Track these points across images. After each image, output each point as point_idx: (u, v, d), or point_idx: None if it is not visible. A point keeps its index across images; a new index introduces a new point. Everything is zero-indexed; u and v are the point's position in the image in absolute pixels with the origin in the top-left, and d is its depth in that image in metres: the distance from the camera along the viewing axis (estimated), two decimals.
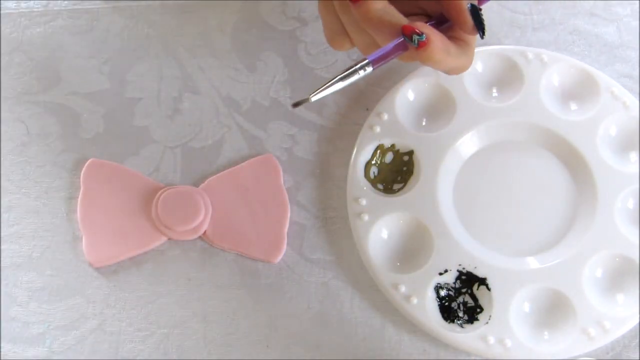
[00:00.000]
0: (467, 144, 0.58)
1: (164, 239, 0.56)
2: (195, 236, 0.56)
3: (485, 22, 0.48)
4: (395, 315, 0.54)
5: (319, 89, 0.48)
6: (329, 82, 0.48)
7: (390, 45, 0.47)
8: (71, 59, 0.62)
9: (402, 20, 0.48)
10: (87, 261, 0.55)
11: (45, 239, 0.57)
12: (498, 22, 0.63)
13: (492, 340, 0.52)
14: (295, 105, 0.48)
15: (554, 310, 0.54)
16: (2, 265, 0.56)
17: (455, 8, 0.48)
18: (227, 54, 0.62)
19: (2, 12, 0.63)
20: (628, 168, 0.57)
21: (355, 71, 0.48)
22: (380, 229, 0.56)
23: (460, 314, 0.54)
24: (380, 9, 0.48)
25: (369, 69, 0.48)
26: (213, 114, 0.60)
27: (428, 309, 0.53)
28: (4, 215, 0.57)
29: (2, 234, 0.57)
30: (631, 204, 0.56)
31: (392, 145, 0.58)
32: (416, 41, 0.47)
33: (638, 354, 0.53)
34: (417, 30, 0.47)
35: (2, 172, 0.58)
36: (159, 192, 0.56)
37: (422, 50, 0.47)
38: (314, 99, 0.48)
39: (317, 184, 0.58)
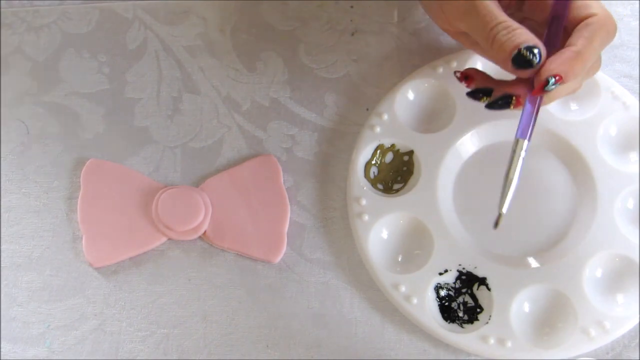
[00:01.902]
0: (467, 144, 0.58)
1: (164, 239, 0.56)
2: (195, 236, 0.56)
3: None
4: (395, 315, 0.54)
5: (503, 197, 0.50)
6: (507, 185, 0.50)
7: (526, 112, 0.51)
8: (71, 59, 0.62)
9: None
10: (87, 261, 0.55)
11: (45, 239, 0.57)
12: None
13: (492, 340, 0.52)
14: (496, 225, 0.50)
15: (554, 310, 0.54)
16: (2, 265, 0.56)
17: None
18: (227, 54, 0.62)
19: (2, 12, 0.63)
20: (628, 168, 0.57)
21: (518, 156, 0.51)
22: (380, 229, 0.56)
23: (460, 314, 0.54)
24: None
25: (527, 144, 0.50)
26: (213, 114, 0.60)
27: (428, 309, 0.53)
28: (4, 215, 0.57)
29: (2, 234, 0.57)
30: (631, 204, 0.56)
31: (392, 145, 0.58)
32: (551, 84, 0.49)
33: (638, 354, 0.53)
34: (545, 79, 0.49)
35: (2, 172, 0.58)
36: (159, 192, 0.56)
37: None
38: (505, 210, 0.50)
39: (317, 184, 0.58)
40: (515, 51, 0.49)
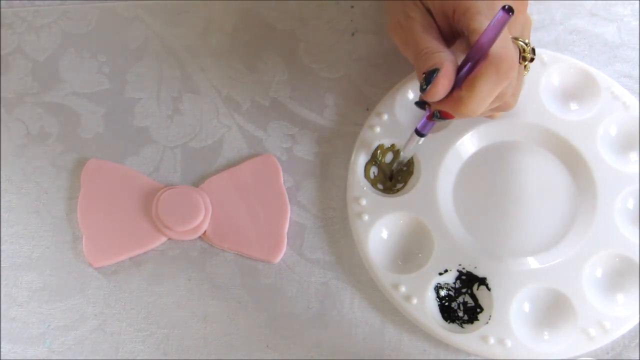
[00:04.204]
0: (467, 144, 0.58)
1: (164, 239, 0.56)
2: (195, 236, 0.56)
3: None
4: (395, 315, 0.54)
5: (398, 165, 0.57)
6: (399, 161, 0.57)
7: (423, 118, 0.52)
8: (71, 59, 0.62)
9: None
10: (87, 261, 0.55)
11: (45, 239, 0.57)
12: None
13: (492, 340, 0.52)
14: (391, 180, 0.58)
15: (554, 310, 0.54)
16: (2, 265, 0.56)
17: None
18: (227, 54, 0.62)
19: (2, 12, 0.63)
20: (628, 168, 0.57)
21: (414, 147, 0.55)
22: (380, 229, 0.56)
23: (460, 314, 0.54)
24: None
25: (421, 139, 0.54)
26: (213, 114, 0.60)
27: (428, 309, 0.53)
28: (4, 215, 0.57)
29: (2, 234, 0.57)
30: (631, 204, 0.56)
31: (392, 145, 0.58)
32: (436, 117, 0.51)
33: (638, 354, 0.53)
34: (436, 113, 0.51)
35: (2, 172, 0.58)
36: (159, 192, 0.56)
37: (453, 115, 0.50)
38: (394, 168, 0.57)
39: (317, 184, 0.58)
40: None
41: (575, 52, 0.62)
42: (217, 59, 0.62)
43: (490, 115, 0.56)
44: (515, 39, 0.51)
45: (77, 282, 0.55)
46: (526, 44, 0.52)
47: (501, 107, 0.53)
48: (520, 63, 0.51)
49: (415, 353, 0.54)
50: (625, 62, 0.61)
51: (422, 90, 0.49)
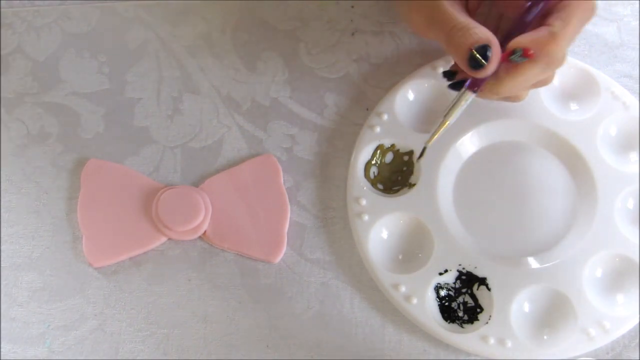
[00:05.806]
0: (467, 144, 0.58)
1: (164, 239, 0.56)
2: (195, 236, 0.56)
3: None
4: (395, 315, 0.54)
5: (434, 134, 0.52)
6: (440, 126, 0.52)
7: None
8: (71, 59, 0.62)
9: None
10: (87, 261, 0.55)
11: (45, 239, 0.57)
12: None
13: (492, 340, 0.52)
14: (420, 157, 0.55)
15: (554, 310, 0.54)
16: (2, 265, 0.56)
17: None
18: (227, 54, 0.62)
19: (2, 12, 0.63)
20: (628, 168, 0.57)
21: (459, 102, 0.51)
22: (380, 229, 0.56)
23: (460, 314, 0.54)
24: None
25: (472, 96, 0.50)
26: (213, 114, 0.60)
27: (428, 309, 0.53)
28: (4, 215, 0.57)
29: (2, 234, 0.57)
30: (631, 204, 0.56)
31: (392, 145, 0.58)
32: (517, 55, 0.48)
33: (638, 354, 0.53)
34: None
35: (2, 172, 0.58)
36: (159, 192, 0.56)
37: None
38: (430, 144, 0.53)
39: (317, 184, 0.58)
40: (469, 53, 0.48)
41: (575, 52, 0.62)
42: (217, 59, 0.62)
43: (516, 96, 0.55)
44: None
45: (77, 282, 0.55)
46: None
47: (542, 82, 0.52)
48: None
49: (415, 353, 0.54)
50: (625, 62, 0.61)
51: (477, 66, 0.47)
